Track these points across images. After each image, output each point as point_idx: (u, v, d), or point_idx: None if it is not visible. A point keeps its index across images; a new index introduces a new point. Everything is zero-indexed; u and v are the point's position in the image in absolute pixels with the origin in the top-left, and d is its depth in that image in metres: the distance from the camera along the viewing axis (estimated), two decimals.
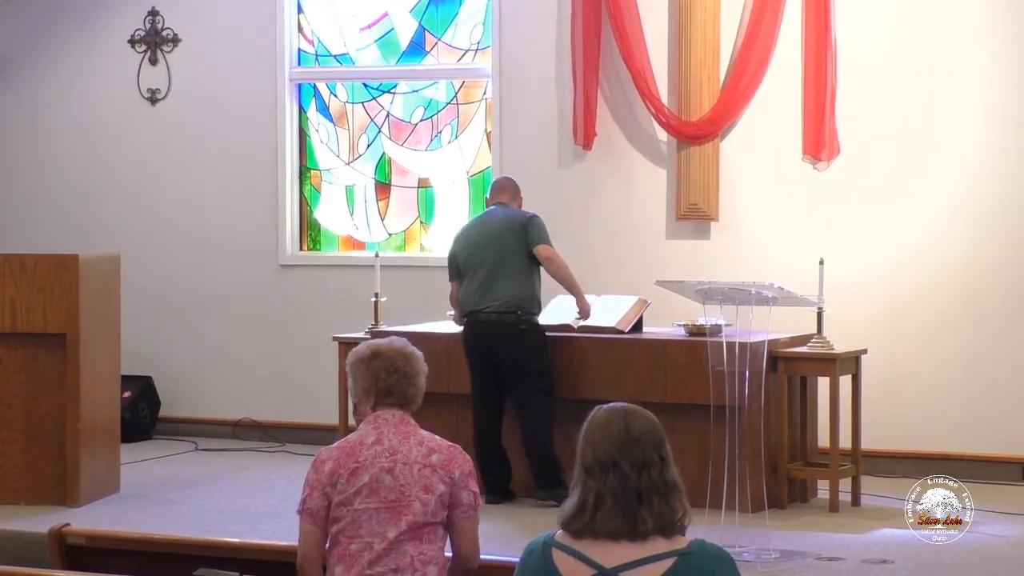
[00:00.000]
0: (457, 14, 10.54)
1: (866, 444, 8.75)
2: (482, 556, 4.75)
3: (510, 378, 8.45)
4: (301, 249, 10.91)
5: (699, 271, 9.22)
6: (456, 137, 10.58)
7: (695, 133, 9.63)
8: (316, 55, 10.88)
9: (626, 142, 9.94)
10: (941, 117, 9.30)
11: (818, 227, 9.47)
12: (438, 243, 10.46)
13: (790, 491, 8.45)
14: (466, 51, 10.55)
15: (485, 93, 10.48)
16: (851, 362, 8.56)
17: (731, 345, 7.40)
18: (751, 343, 7.50)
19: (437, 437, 4.69)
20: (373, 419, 4.69)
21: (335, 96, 10.86)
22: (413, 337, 8.88)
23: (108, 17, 11.20)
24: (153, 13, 11.11)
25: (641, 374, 8.41)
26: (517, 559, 3.77)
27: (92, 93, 11.24)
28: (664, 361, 8.39)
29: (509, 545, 7.02)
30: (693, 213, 9.72)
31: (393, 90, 10.74)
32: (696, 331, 8.38)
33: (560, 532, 3.66)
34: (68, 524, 5.46)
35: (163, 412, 10.99)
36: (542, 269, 8.56)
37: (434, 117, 10.64)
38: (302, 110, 10.89)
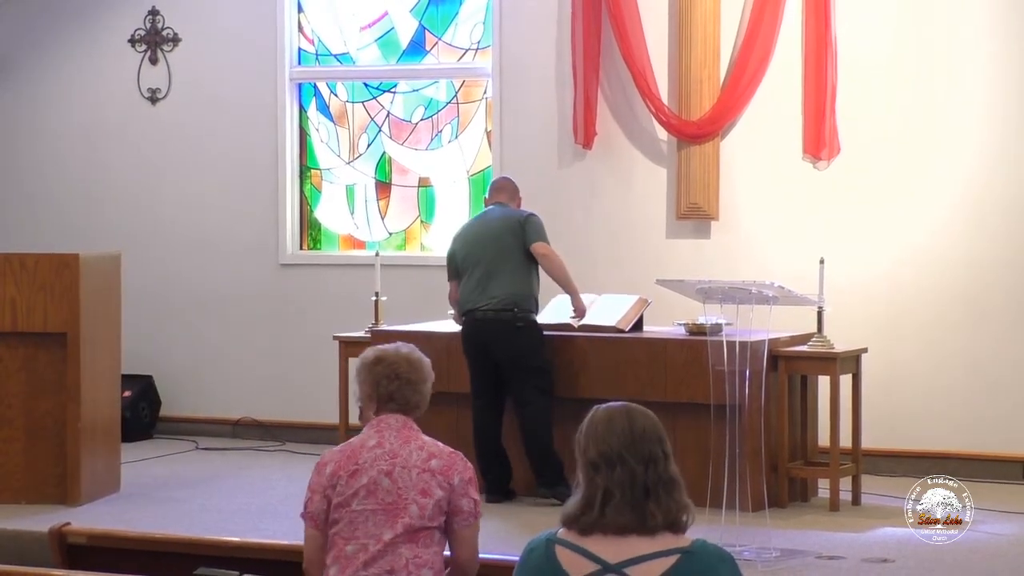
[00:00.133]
0: (457, 13, 10.54)
1: (866, 443, 8.76)
2: (482, 555, 4.75)
3: (508, 376, 8.45)
4: (301, 248, 10.91)
5: (699, 270, 9.22)
6: (456, 136, 10.58)
7: (695, 132, 9.63)
8: (316, 54, 10.88)
9: (626, 141, 9.94)
10: (941, 117, 9.30)
11: (818, 227, 9.47)
12: (438, 242, 10.46)
13: (790, 490, 8.45)
14: (466, 50, 10.55)
15: (485, 92, 10.48)
16: (851, 361, 8.57)
17: (731, 344, 7.40)
18: (751, 342, 7.50)
19: (439, 443, 4.68)
20: (376, 423, 4.71)
21: (335, 95, 10.86)
22: (413, 336, 8.99)
23: (108, 17, 11.20)
24: (153, 13, 11.11)
25: (641, 373, 8.41)
26: (518, 558, 3.77)
27: (92, 93, 11.24)
28: (664, 360, 8.39)
29: (509, 544, 7.02)
30: (693, 212, 9.72)
31: (393, 89, 10.74)
32: (696, 330, 8.38)
33: (563, 530, 3.67)
34: (69, 523, 5.47)
35: (163, 411, 10.99)
36: (541, 268, 8.57)
37: (434, 116, 10.64)
38: (302, 109, 10.89)
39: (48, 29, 11.30)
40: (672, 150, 9.79)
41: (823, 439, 8.57)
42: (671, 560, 3.57)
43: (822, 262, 8.41)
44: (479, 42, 10.49)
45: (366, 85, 10.80)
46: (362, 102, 10.81)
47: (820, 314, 8.43)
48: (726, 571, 3.61)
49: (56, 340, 8.39)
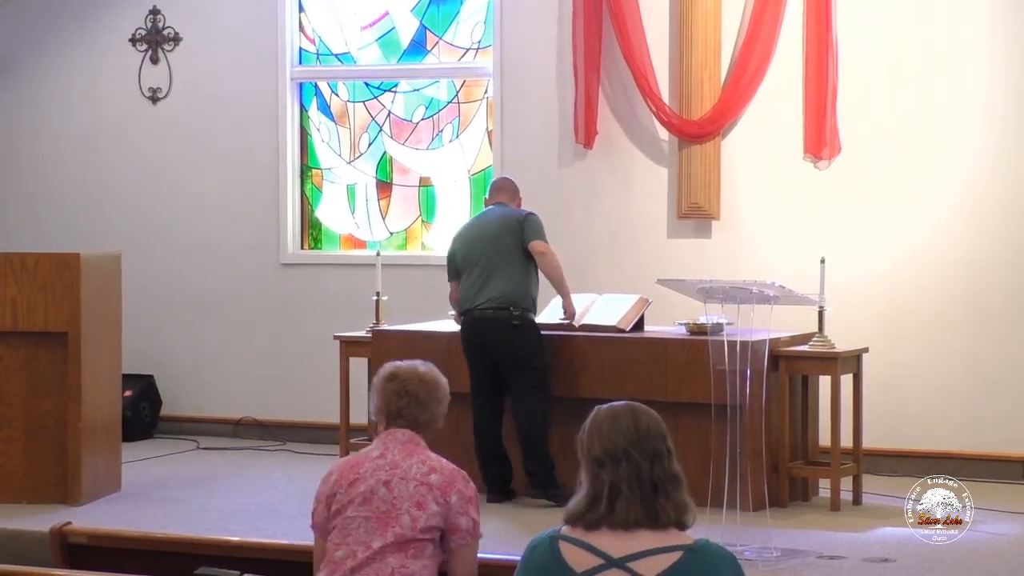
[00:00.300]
0: (458, 13, 10.54)
1: (867, 443, 8.76)
2: (482, 555, 4.75)
3: (506, 375, 8.45)
4: (302, 248, 10.92)
5: (700, 270, 9.22)
6: (457, 136, 10.58)
7: (696, 132, 9.63)
8: (317, 54, 10.88)
9: (627, 141, 9.94)
10: (941, 117, 9.30)
11: (819, 226, 9.47)
12: (439, 242, 10.46)
13: (791, 490, 8.45)
14: (467, 50, 10.55)
15: (486, 92, 10.48)
16: (852, 361, 8.57)
17: (732, 344, 7.40)
18: (752, 342, 7.50)
19: (444, 460, 4.66)
20: (383, 436, 4.72)
21: (336, 95, 10.87)
22: (414, 336, 9.01)
23: (109, 16, 11.20)
24: (154, 12, 11.11)
25: (642, 373, 8.41)
26: (518, 558, 3.77)
27: (92, 93, 11.24)
28: (665, 360, 8.39)
29: (509, 544, 7.02)
30: (694, 212, 9.72)
31: (394, 89, 10.74)
32: (697, 330, 8.38)
33: (567, 528, 3.68)
34: (69, 523, 5.47)
35: (164, 411, 11.00)
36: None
37: (435, 116, 10.65)
38: (303, 109, 10.90)
39: (48, 29, 11.30)
40: (673, 150, 9.79)
41: (824, 439, 8.57)
42: (675, 556, 3.59)
43: (823, 262, 8.41)
44: (480, 42, 10.49)
45: (367, 84, 10.80)
46: (363, 101, 10.81)
47: (821, 314, 8.43)
48: (728, 571, 3.61)
49: (57, 340, 8.39)
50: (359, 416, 9.39)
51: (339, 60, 10.84)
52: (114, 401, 8.84)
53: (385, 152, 10.77)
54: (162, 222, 11.07)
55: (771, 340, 7.90)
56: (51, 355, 8.41)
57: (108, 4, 11.20)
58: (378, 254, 9.90)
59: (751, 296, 7.44)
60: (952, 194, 9.29)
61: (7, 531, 7.65)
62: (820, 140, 9.45)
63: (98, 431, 8.57)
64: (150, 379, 10.95)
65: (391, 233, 10.79)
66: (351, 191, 10.85)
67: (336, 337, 9.51)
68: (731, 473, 7.32)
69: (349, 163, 10.83)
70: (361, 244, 10.83)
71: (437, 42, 10.61)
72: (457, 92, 10.59)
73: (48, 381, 8.42)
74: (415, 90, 10.71)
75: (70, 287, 8.37)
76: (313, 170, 10.91)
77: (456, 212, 10.51)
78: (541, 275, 8.58)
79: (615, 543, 3.61)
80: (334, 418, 9.57)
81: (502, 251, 8.50)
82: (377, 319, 9.48)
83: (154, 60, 11.12)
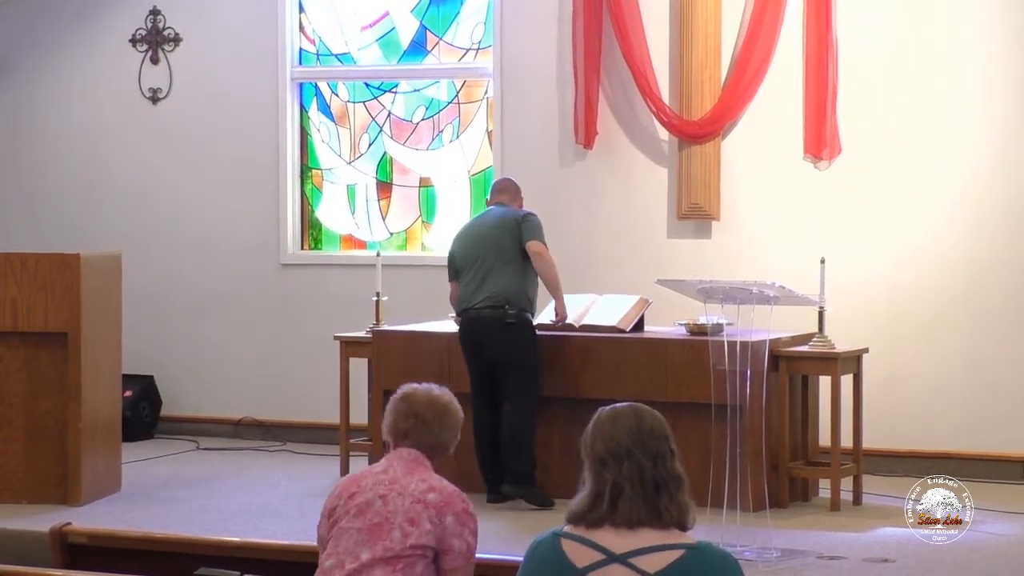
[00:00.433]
0: (458, 13, 10.54)
1: (867, 443, 8.76)
2: (483, 555, 4.74)
3: (500, 374, 8.45)
4: (302, 248, 10.92)
5: (700, 270, 9.22)
6: (457, 136, 10.58)
7: (696, 132, 9.63)
8: (317, 54, 10.88)
9: (627, 141, 9.94)
10: (941, 117, 9.31)
11: (819, 227, 9.47)
12: (439, 242, 10.46)
13: (791, 490, 8.45)
14: (467, 50, 10.55)
15: (486, 92, 10.48)
16: (852, 361, 8.57)
17: (732, 344, 7.40)
18: (752, 342, 7.50)
19: (447, 482, 4.60)
20: (390, 454, 4.69)
21: (336, 95, 10.87)
22: (414, 336, 9.02)
23: (109, 17, 11.20)
24: (154, 12, 11.11)
25: (642, 373, 8.41)
26: (518, 558, 3.78)
27: (93, 93, 11.24)
28: (665, 360, 8.39)
29: (509, 544, 7.03)
30: (694, 212, 9.72)
31: (394, 89, 10.74)
32: (697, 330, 8.38)
33: (569, 526, 3.69)
34: (69, 523, 5.47)
35: (164, 411, 11.00)
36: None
37: (435, 116, 10.65)
38: (303, 109, 10.90)
39: (48, 29, 11.30)
40: (673, 150, 9.79)
41: (824, 439, 8.57)
42: (677, 553, 3.60)
43: (823, 262, 8.41)
44: (480, 42, 10.49)
45: (367, 85, 10.80)
46: (363, 102, 10.81)
47: (821, 314, 8.43)
48: (730, 572, 3.62)
49: (57, 340, 8.39)
50: (359, 416, 9.40)
51: (339, 60, 10.84)
52: (114, 401, 8.84)
53: (385, 152, 10.77)
54: (162, 222, 11.07)
55: (771, 340, 7.90)
56: (51, 355, 8.41)
57: (108, 4, 11.21)
58: (378, 254, 9.90)
59: (751, 296, 7.44)
60: (952, 194, 9.29)
61: (7, 531, 7.65)
62: (820, 140, 9.45)
63: (98, 431, 8.57)
64: (150, 379, 10.95)
65: (391, 233, 10.79)
66: (351, 191, 10.85)
67: (336, 337, 9.51)
68: (731, 473, 7.32)
69: (349, 163, 10.83)
70: (361, 244, 10.83)
71: (437, 42, 10.61)
72: (457, 92, 10.59)
73: (48, 381, 8.42)
74: (415, 90, 10.71)
75: (70, 287, 8.37)
76: (313, 170, 10.91)
77: (456, 212, 10.51)
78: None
79: (617, 540, 3.62)
80: (334, 418, 9.57)
81: (500, 251, 8.50)
82: (377, 319, 9.48)
83: (154, 60, 11.12)
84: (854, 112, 9.42)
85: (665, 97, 9.73)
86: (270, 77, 10.80)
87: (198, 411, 10.99)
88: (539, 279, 8.57)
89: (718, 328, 7.94)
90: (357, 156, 10.82)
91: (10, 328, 8.38)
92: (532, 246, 8.47)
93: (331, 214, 10.89)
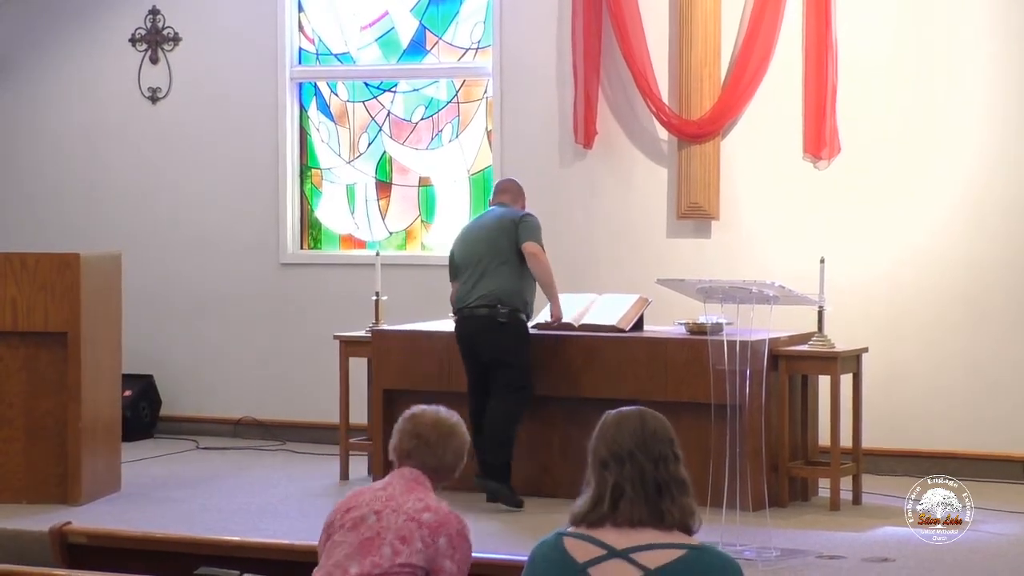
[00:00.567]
0: (458, 13, 10.54)
1: (867, 443, 8.76)
2: (484, 555, 4.74)
3: (492, 372, 8.44)
4: (302, 248, 10.92)
5: (700, 270, 9.23)
6: (457, 136, 10.58)
7: (696, 132, 9.63)
8: (317, 54, 10.88)
9: (627, 141, 9.94)
10: (941, 117, 9.31)
11: (819, 226, 9.47)
12: (439, 242, 10.47)
13: (791, 489, 8.45)
14: (467, 50, 10.55)
15: (486, 92, 10.48)
16: (852, 361, 8.57)
17: (732, 344, 7.40)
18: (752, 342, 7.50)
19: (445, 505, 4.56)
20: (393, 472, 4.68)
21: (336, 95, 10.87)
22: (414, 336, 9.02)
23: (108, 16, 11.20)
24: (154, 12, 11.11)
25: (642, 373, 8.41)
26: (517, 558, 3.78)
27: (92, 93, 11.24)
28: (665, 360, 8.39)
29: (510, 545, 7.03)
30: (694, 212, 9.72)
31: (394, 89, 10.74)
32: (697, 330, 8.38)
33: (572, 528, 3.70)
34: (69, 523, 5.47)
35: (164, 411, 10.99)
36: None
37: (435, 116, 10.65)
38: (303, 109, 10.90)
39: (48, 29, 11.30)
40: (673, 149, 9.79)
41: (824, 439, 8.57)
42: (679, 552, 3.61)
43: (822, 262, 8.41)
44: (479, 41, 10.49)
45: (366, 84, 10.80)
46: (362, 101, 10.81)
47: (821, 314, 8.43)
48: (731, 575, 3.62)
49: (57, 340, 8.39)
50: (359, 416, 9.39)
51: (339, 60, 10.84)
52: (114, 401, 8.84)
53: (385, 152, 10.77)
54: (162, 222, 11.07)
55: (771, 340, 7.90)
56: (51, 355, 8.41)
57: (108, 4, 11.20)
58: (378, 254, 9.90)
59: (751, 296, 7.44)
60: (952, 194, 9.29)
61: (7, 531, 7.65)
62: (820, 140, 9.45)
63: (98, 431, 8.57)
64: (150, 379, 10.95)
65: (391, 233, 10.79)
66: (351, 191, 10.85)
67: (336, 337, 9.51)
68: (731, 473, 7.32)
69: (349, 163, 10.83)
70: (361, 244, 10.83)
71: (437, 42, 10.61)
72: (457, 92, 10.59)
73: (48, 381, 8.42)
74: (415, 90, 10.71)
75: (70, 287, 8.37)
76: (313, 170, 10.91)
77: (456, 212, 10.51)
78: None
79: (619, 538, 3.64)
80: (334, 418, 9.56)
81: (496, 251, 8.50)
82: (377, 319, 9.48)
83: (154, 60, 11.12)
84: (854, 112, 9.42)
85: (665, 97, 9.73)
86: (270, 77, 10.80)
87: (198, 411, 10.99)
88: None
89: (718, 328, 7.94)
90: (356, 156, 10.82)
91: (10, 328, 8.38)
92: (527, 247, 8.47)
93: (331, 214, 10.89)
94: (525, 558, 3.78)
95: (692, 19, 9.58)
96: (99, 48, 11.23)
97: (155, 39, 11.11)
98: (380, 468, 8.63)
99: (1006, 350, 9.22)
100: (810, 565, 7.14)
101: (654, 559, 3.59)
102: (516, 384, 8.38)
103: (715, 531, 6.96)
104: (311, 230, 10.95)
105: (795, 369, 8.43)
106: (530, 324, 8.65)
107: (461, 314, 8.54)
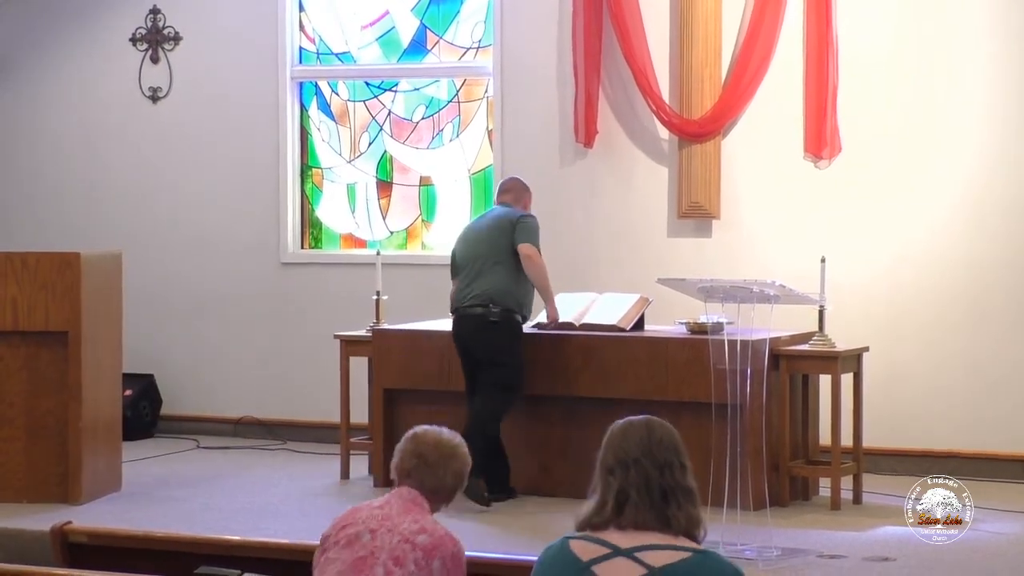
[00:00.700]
0: (458, 12, 10.54)
1: (867, 442, 8.76)
2: (484, 555, 4.74)
3: (483, 371, 8.44)
4: (302, 247, 10.92)
5: (700, 269, 9.22)
6: (457, 135, 10.58)
7: (696, 131, 9.63)
8: (317, 53, 10.88)
9: (627, 140, 9.94)
10: (941, 116, 9.31)
11: (819, 225, 9.47)
12: (440, 241, 10.47)
13: (792, 489, 8.45)
14: (467, 49, 10.55)
15: (486, 91, 10.48)
16: (853, 360, 8.57)
17: (733, 343, 7.40)
18: (753, 341, 7.50)
19: (442, 527, 4.53)
20: (392, 491, 4.66)
21: (336, 94, 10.87)
22: (414, 335, 9.02)
23: (109, 16, 11.20)
24: (154, 11, 11.11)
25: (642, 372, 8.40)
26: (518, 558, 3.79)
27: (93, 92, 11.24)
28: (666, 359, 8.38)
29: (510, 545, 7.03)
30: (694, 211, 9.72)
31: (394, 88, 10.74)
32: (698, 329, 8.37)
33: (578, 532, 3.71)
34: (70, 522, 5.47)
35: (165, 410, 11.00)
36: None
37: (435, 115, 10.65)
38: (303, 108, 10.90)
39: (48, 29, 11.30)
40: (673, 149, 9.79)
41: (824, 438, 8.57)
42: (683, 554, 3.62)
43: (823, 261, 8.41)
44: (480, 41, 10.49)
45: (367, 84, 10.81)
46: (363, 101, 10.81)
47: (821, 313, 8.43)
48: None
49: (57, 339, 8.40)
50: (359, 415, 9.39)
51: (339, 59, 10.84)
52: (114, 400, 8.85)
53: (385, 151, 10.77)
54: (162, 222, 11.07)
55: (771, 339, 7.90)
56: (52, 354, 8.41)
57: (108, 4, 11.20)
58: (378, 253, 9.90)
59: (751, 295, 7.44)
60: (952, 194, 9.28)
61: (7, 530, 7.65)
62: (820, 139, 9.45)
63: (98, 430, 8.57)
64: (150, 378, 10.95)
65: (391, 232, 10.79)
66: (351, 190, 10.85)
67: (336, 336, 9.51)
68: (731, 472, 7.32)
69: (349, 162, 10.83)
70: (361, 243, 10.83)
71: (437, 41, 10.61)
72: (457, 91, 10.59)
73: (49, 380, 8.43)
74: (415, 89, 10.71)
75: (71, 286, 8.38)
76: (313, 169, 10.91)
77: (456, 211, 10.51)
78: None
79: (624, 539, 3.65)
80: (334, 417, 9.56)
81: (494, 251, 8.51)
82: (377, 318, 9.48)
83: (154, 60, 11.12)
84: (854, 110, 9.42)
85: (665, 96, 9.73)
86: (270, 76, 10.80)
87: (198, 410, 10.99)
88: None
89: (718, 327, 7.93)
90: (357, 155, 10.82)
91: (11, 327, 8.39)
92: (522, 249, 8.47)
93: (331, 213, 10.89)
94: (525, 558, 3.79)
95: (693, 18, 9.58)
96: (99, 48, 11.23)
97: (155, 39, 11.11)
98: (380, 468, 8.64)
99: (1006, 350, 9.21)
100: (811, 564, 7.14)
101: (658, 558, 3.60)
102: (504, 383, 8.36)
103: (716, 530, 6.95)
104: (312, 229, 10.95)
105: (796, 368, 8.43)
106: (528, 325, 8.65)
107: (457, 313, 8.56)
